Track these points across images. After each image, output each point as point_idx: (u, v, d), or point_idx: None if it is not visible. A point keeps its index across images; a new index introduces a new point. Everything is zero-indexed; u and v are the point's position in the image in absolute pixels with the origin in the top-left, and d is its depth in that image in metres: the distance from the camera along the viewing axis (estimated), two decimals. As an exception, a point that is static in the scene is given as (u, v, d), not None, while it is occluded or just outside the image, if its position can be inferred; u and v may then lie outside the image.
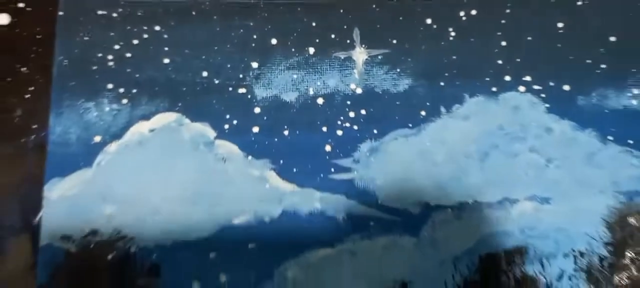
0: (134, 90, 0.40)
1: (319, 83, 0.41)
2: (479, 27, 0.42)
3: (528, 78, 0.42)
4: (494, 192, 0.39)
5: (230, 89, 0.41)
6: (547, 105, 0.41)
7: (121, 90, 0.40)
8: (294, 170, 0.39)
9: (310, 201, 0.39)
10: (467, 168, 0.40)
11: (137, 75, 0.40)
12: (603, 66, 0.42)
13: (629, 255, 0.38)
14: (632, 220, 0.39)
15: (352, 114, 0.41)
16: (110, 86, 0.40)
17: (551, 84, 0.42)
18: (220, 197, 0.39)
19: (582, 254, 0.38)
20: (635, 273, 0.38)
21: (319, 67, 0.41)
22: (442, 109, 0.41)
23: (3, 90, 0.40)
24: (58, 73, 0.40)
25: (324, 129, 0.40)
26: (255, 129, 0.40)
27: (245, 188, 0.39)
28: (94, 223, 0.38)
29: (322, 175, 0.39)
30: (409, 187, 0.39)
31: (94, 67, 0.41)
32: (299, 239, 0.38)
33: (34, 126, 0.40)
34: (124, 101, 0.40)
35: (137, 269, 0.37)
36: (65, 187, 0.38)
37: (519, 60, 0.42)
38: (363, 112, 0.41)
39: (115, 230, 0.37)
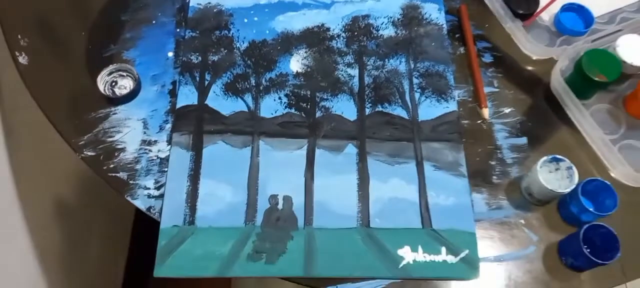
0: (226, -39, 1.06)
1: (294, -38, 1.07)
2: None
3: (375, -38, 1.07)
4: (359, -3, 1.03)
5: (261, -38, 1.06)
6: (382, -28, 1.06)
7: (221, -39, 1.06)
8: (284, -12, 1.04)
9: (289, -2, 1.03)
10: (349, -11, 1.04)
11: (227, -43, 1.06)
12: (404, -41, 1.07)
13: (410, 20, 1.00)
14: (412, 8, 1.02)
15: (306, -28, 1.06)
16: (216, -40, 1.06)
17: (384, -35, 1.07)
18: (256, -5, 1.03)
19: (390, 17, 1.00)
20: (414, 27, 1.00)
21: (295, -43, 1.07)
22: (341, -28, 1.06)
23: (176, -39, 1.06)
24: (198, -45, 1.07)
25: (296, -24, 1.05)
26: (270, -25, 1.05)
27: (265, -7, 1.03)
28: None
29: (294, -10, 1.03)
30: (326, -6, 1.03)
31: (211, -47, 1.07)
32: (288, 6, 1.01)
33: (188, -28, 1.05)
34: (222, -36, 1.06)
35: (224, 14, 1.00)
36: (199, -11, 1.03)
37: (371, -44, 1.07)
38: (311, -29, 1.06)
39: (218, 2, 1.01)
